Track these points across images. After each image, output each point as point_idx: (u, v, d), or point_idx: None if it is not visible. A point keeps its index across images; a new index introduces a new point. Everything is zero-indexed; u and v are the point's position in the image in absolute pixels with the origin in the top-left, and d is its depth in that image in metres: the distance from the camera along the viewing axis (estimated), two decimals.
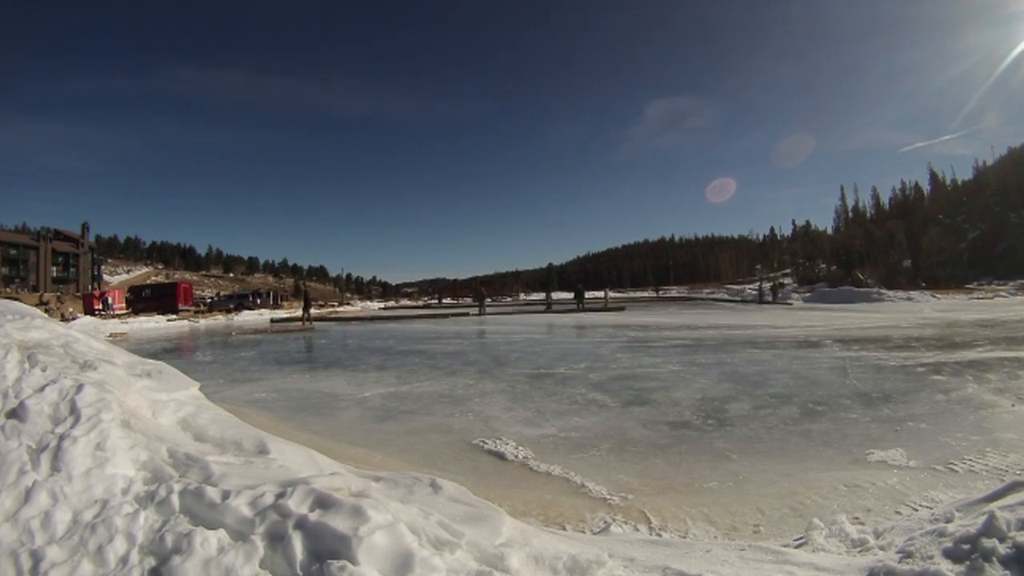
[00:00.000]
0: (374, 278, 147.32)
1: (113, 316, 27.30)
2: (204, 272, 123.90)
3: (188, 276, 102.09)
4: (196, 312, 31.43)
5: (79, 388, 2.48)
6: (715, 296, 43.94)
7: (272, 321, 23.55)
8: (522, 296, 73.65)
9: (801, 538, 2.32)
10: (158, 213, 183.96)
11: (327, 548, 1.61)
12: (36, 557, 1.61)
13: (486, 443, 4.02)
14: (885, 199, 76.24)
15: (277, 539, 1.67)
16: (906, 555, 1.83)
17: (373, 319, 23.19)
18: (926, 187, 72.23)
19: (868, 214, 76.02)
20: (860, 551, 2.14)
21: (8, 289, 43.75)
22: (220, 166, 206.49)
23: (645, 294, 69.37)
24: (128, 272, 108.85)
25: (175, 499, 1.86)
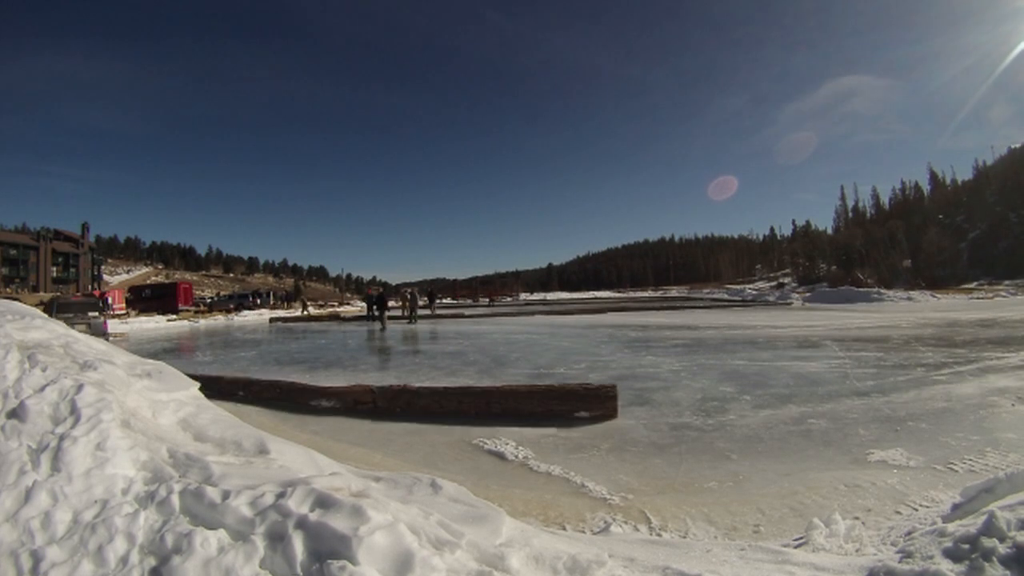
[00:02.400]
0: (374, 278, 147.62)
1: (113, 316, 27.29)
2: (204, 272, 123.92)
3: (188, 276, 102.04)
4: (196, 312, 31.42)
5: (79, 388, 2.47)
6: (718, 298, 43.60)
7: (271, 320, 23.50)
8: (522, 296, 73.59)
9: (801, 538, 2.32)
10: (158, 213, 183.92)
11: (327, 548, 1.61)
12: (36, 557, 1.61)
13: (486, 443, 4.02)
14: (885, 199, 76.49)
15: (277, 539, 1.67)
16: (906, 555, 1.83)
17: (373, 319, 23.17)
18: (926, 187, 72.44)
19: (868, 214, 76.18)
20: (860, 551, 2.14)
21: (8, 289, 43.73)
22: (221, 165, 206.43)
23: (645, 294, 69.32)
24: (128, 272, 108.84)
25: (175, 499, 1.86)
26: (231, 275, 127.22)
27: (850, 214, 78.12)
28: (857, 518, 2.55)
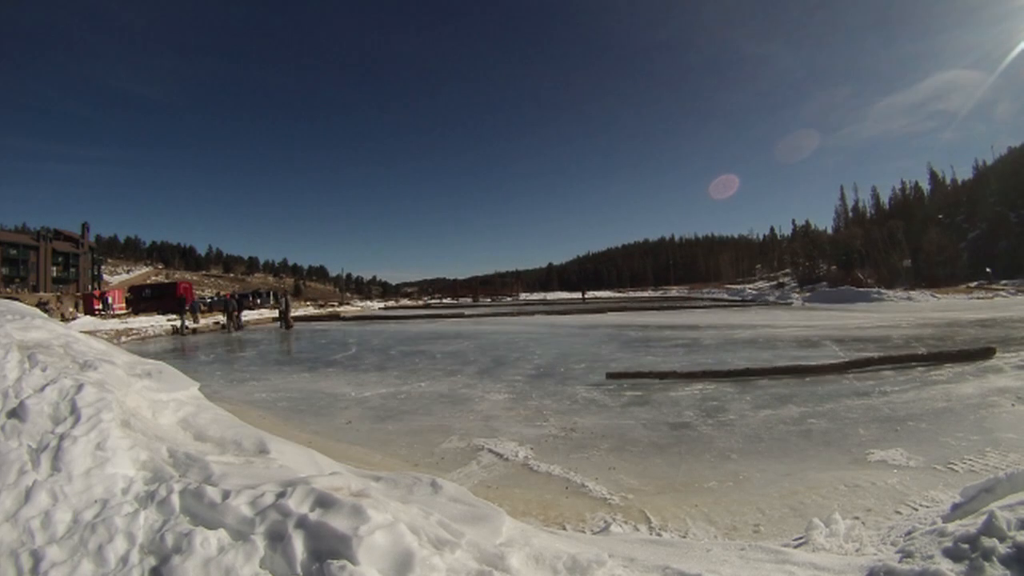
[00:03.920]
0: (374, 278, 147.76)
1: (113, 316, 27.30)
2: (204, 272, 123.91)
3: (188, 276, 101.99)
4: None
5: (79, 388, 2.47)
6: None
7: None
8: (522, 296, 73.55)
9: (801, 538, 2.32)
10: (158, 213, 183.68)
11: (327, 548, 1.61)
12: (36, 557, 1.61)
13: (486, 443, 4.02)
14: (885, 199, 76.42)
15: (277, 539, 1.67)
16: (906, 555, 1.83)
17: (373, 319, 23.19)
18: (926, 187, 72.37)
19: (868, 214, 76.14)
20: (860, 551, 2.14)
21: (8, 289, 43.72)
22: (220, 165, 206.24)
23: (645, 294, 69.30)
24: (128, 272, 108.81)
25: (175, 499, 1.86)
26: (231, 275, 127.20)
27: (850, 214, 78.11)
28: (857, 518, 2.55)
